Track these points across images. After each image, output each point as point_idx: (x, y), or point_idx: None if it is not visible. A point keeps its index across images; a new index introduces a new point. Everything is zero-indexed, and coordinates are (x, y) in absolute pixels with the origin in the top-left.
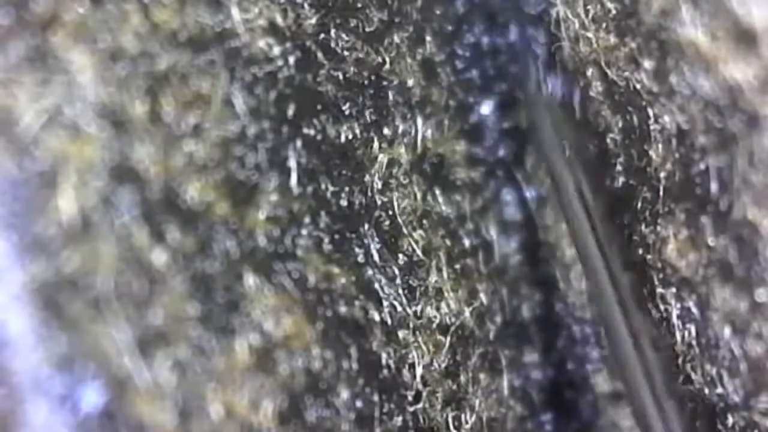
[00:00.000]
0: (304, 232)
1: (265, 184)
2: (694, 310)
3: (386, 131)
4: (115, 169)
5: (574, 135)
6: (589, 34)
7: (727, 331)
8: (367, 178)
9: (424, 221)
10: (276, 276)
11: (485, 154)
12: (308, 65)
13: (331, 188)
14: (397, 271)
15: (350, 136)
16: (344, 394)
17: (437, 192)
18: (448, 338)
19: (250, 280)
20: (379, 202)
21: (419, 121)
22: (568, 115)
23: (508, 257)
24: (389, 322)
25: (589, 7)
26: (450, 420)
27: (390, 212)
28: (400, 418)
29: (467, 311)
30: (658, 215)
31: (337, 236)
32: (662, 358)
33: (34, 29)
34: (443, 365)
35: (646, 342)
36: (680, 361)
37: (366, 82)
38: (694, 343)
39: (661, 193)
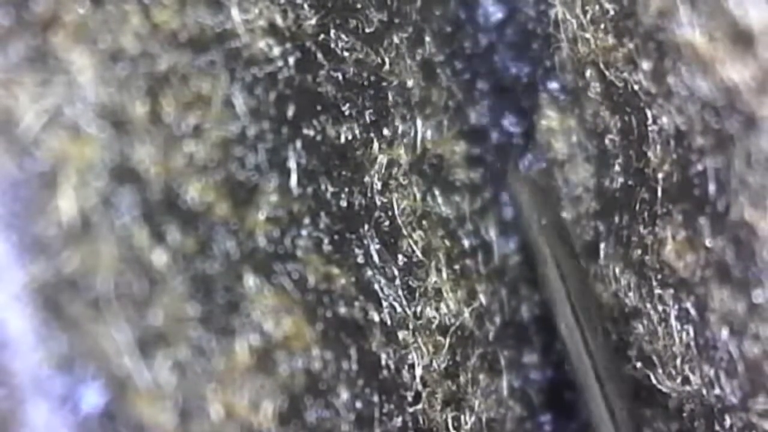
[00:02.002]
0: (303, 232)
1: (265, 185)
2: (692, 311)
3: (386, 132)
4: (116, 170)
5: (548, 207)
6: (588, 35)
7: (724, 333)
8: (366, 178)
9: (424, 222)
10: (276, 277)
11: (485, 155)
12: (308, 66)
13: (330, 189)
14: (396, 272)
15: (350, 137)
16: (344, 394)
17: (437, 193)
18: (448, 339)
19: (250, 280)
20: (378, 203)
21: (419, 121)
22: (544, 188)
23: (508, 258)
24: (389, 322)
25: (587, 7)
26: (449, 421)
27: (389, 213)
28: (399, 419)
29: (467, 312)
30: (656, 216)
31: (336, 237)
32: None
33: (34, 30)
34: (443, 366)
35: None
36: (678, 362)
37: (365, 82)
38: (692, 344)
39: (659, 194)
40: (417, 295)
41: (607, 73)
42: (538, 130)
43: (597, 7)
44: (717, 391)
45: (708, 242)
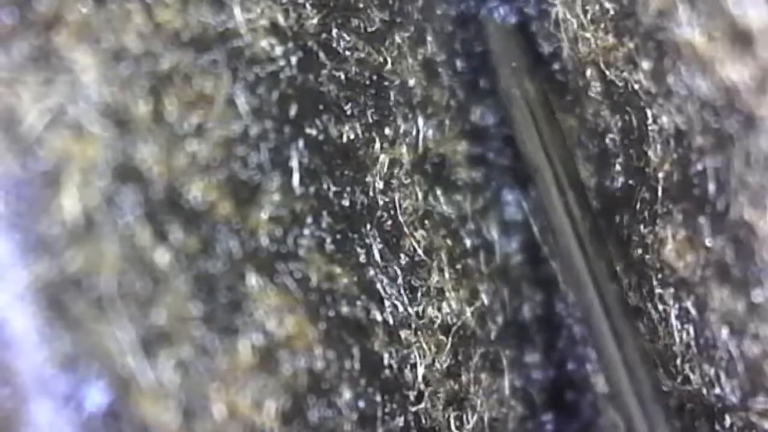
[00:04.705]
0: (306, 232)
1: (268, 184)
2: (692, 310)
3: (388, 131)
4: (119, 169)
5: (522, 52)
6: (588, 35)
7: (724, 332)
8: (368, 178)
9: (426, 221)
10: (278, 276)
11: (486, 155)
12: (310, 65)
13: (333, 188)
14: (398, 271)
15: (352, 136)
16: (347, 394)
17: (439, 192)
18: (450, 338)
19: (253, 280)
20: (380, 203)
21: (420, 121)
22: (519, 37)
23: (509, 257)
24: (391, 322)
25: (587, 7)
26: (452, 420)
27: (392, 212)
28: (402, 418)
29: (469, 311)
30: (656, 216)
31: (339, 236)
32: (647, 360)
33: (37, 29)
34: (445, 365)
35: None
36: (678, 361)
37: (367, 82)
38: (692, 343)
39: (659, 193)
40: (419, 294)
41: (607, 72)
42: None
43: (597, 7)
44: (717, 390)
45: (708, 242)
